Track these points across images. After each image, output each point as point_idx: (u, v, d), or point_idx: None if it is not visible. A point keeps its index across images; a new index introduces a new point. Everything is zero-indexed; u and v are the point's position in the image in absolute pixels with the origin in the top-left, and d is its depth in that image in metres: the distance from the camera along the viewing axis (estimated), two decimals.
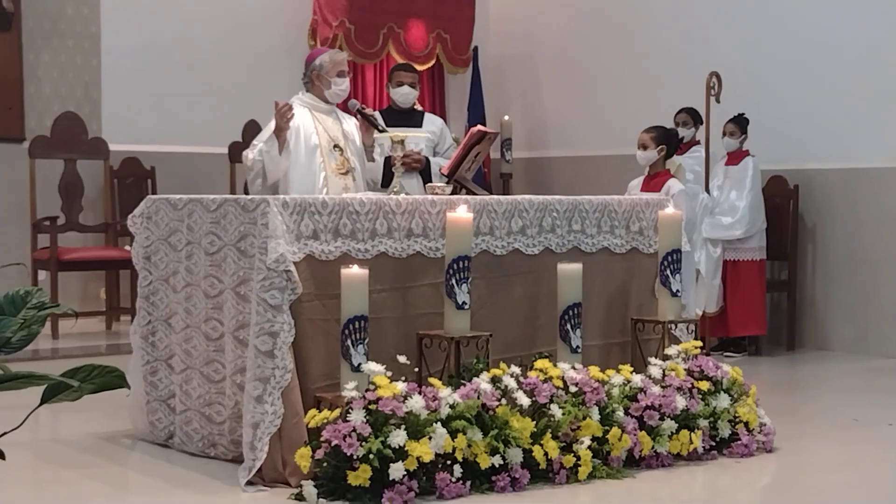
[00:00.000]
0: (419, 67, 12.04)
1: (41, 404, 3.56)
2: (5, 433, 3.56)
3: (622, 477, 5.78)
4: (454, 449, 5.35)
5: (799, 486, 5.98)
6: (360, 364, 5.49)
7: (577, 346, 6.22)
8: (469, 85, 13.40)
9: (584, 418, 5.77)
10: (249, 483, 5.47)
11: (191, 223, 6.23)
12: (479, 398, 5.52)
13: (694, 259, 9.51)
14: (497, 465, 5.46)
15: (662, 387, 6.15)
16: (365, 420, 5.23)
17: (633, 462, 5.94)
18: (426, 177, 8.73)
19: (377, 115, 8.27)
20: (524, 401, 5.64)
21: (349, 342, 5.51)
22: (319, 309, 5.75)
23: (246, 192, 9.23)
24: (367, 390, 5.35)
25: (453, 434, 5.37)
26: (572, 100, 12.90)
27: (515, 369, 5.79)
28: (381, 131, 7.80)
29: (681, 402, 6.10)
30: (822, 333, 10.58)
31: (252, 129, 10.72)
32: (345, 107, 8.03)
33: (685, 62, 11.33)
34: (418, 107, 9.53)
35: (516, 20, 13.56)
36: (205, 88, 11.88)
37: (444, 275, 5.91)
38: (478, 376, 5.67)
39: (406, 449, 5.22)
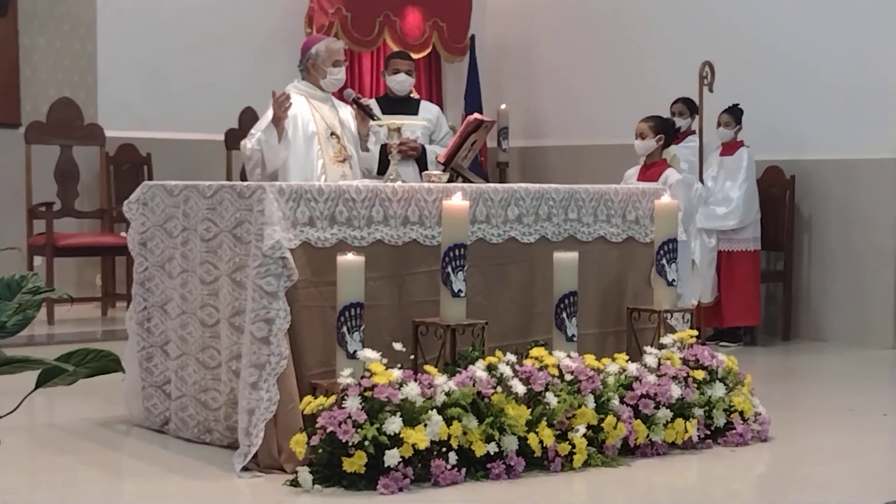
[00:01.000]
0: (415, 56, 12.03)
1: (36, 388, 3.57)
2: (0, 417, 3.57)
3: (617, 465, 5.78)
4: (449, 436, 5.36)
5: (793, 475, 5.99)
6: (355, 351, 5.49)
7: (573, 335, 6.22)
8: (466, 73, 13.39)
9: (580, 406, 5.78)
10: (245, 469, 5.47)
11: (187, 209, 6.23)
12: (474, 386, 5.52)
13: (690, 249, 9.51)
14: (492, 453, 5.47)
15: (658, 376, 6.16)
16: (360, 407, 5.24)
17: (628, 450, 5.95)
18: (422, 165, 8.74)
19: (372, 103, 8.27)
20: (520, 389, 5.64)
21: (345, 329, 5.51)
22: (315, 296, 5.75)
23: (244, 181, 9.22)
24: (362, 377, 5.35)
25: (449, 421, 5.37)
26: (569, 89, 12.90)
27: (511, 357, 5.79)
28: (375, 120, 7.78)
29: (676, 391, 6.11)
30: (818, 324, 10.60)
31: (248, 116, 10.74)
32: (340, 95, 8.03)
33: (681, 52, 11.32)
34: (415, 95, 9.53)
35: (513, 9, 13.56)
36: (201, 75, 11.88)
37: (440, 263, 5.91)
38: (473, 364, 5.68)
39: (401, 436, 5.22)
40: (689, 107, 10.53)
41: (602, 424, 5.82)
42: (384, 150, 7.99)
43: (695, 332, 6.59)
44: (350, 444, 5.17)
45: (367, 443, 5.17)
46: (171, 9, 11.81)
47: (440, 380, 5.49)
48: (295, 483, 5.26)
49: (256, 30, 12.22)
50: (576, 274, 6.25)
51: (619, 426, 5.85)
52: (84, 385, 3.87)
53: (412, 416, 5.30)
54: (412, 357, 5.85)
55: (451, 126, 9.78)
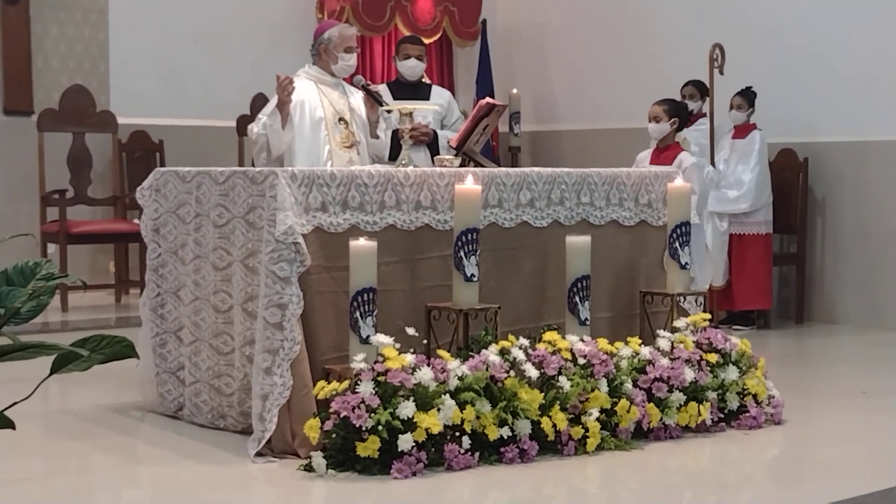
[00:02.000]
0: (426, 40, 12.02)
1: (51, 374, 3.58)
2: (15, 403, 3.57)
3: (630, 448, 5.79)
4: (463, 420, 5.37)
5: (807, 457, 6.00)
6: (368, 336, 5.51)
7: (586, 319, 6.23)
8: (477, 58, 13.37)
9: (593, 390, 5.78)
10: (259, 454, 5.49)
11: (199, 195, 6.24)
12: (487, 370, 5.53)
13: (703, 232, 9.50)
14: (505, 437, 5.48)
15: (671, 359, 6.16)
16: (374, 392, 5.25)
17: (642, 434, 5.95)
18: (434, 150, 8.74)
19: (382, 89, 8.26)
20: (533, 373, 5.65)
21: (358, 314, 5.52)
22: (328, 281, 5.76)
23: (253, 166, 9.23)
24: (375, 362, 5.37)
25: (462, 406, 5.38)
26: (580, 73, 12.88)
27: (524, 341, 5.80)
28: (383, 107, 7.77)
29: (689, 375, 6.11)
30: (831, 307, 10.58)
31: (260, 103, 10.71)
32: (351, 82, 8.02)
33: (692, 35, 11.29)
34: (426, 79, 9.53)
35: None
36: (213, 61, 11.88)
37: (453, 247, 5.91)
38: (486, 348, 5.69)
39: (415, 420, 5.24)
40: (700, 89, 10.51)
41: (615, 408, 5.83)
42: (395, 136, 7.99)
43: (708, 316, 6.59)
44: (363, 428, 5.18)
45: (380, 427, 5.18)
46: None
47: (453, 364, 5.50)
48: (309, 468, 5.27)
49: (267, 16, 12.21)
50: (588, 258, 6.25)
51: (633, 410, 5.86)
52: (98, 372, 3.87)
53: (425, 401, 5.31)
54: (425, 342, 5.87)
55: (462, 111, 9.78)
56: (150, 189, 6.57)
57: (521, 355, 5.69)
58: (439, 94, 9.31)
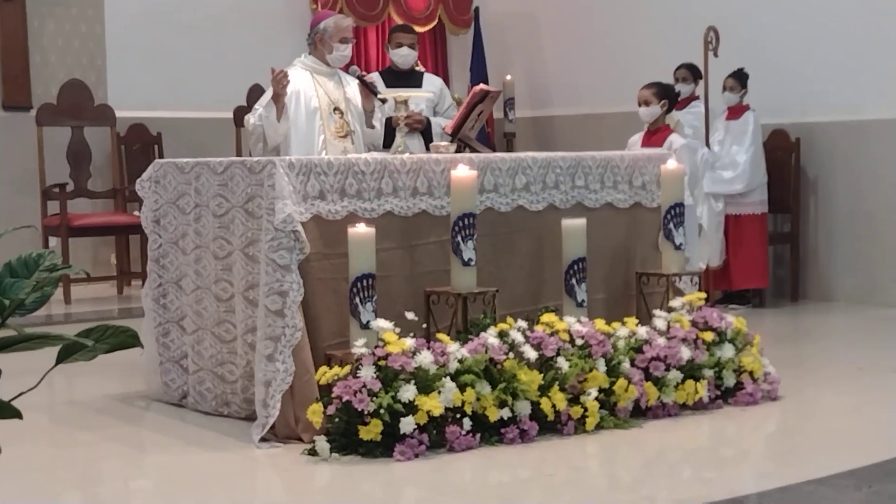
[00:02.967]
0: (420, 29, 12.09)
1: (56, 364, 3.64)
2: (21, 393, 3.63)
3: (629, 427, 5.86)
4: (463, 402, 5.44)
5: (803, 432, 6.08)
6: (368, 321, 5.57)
7: (583, 300, 6.30)
8: (471, 45, 13.41)
9: (591, 370, 5.85)
10: (263, 440, 5.56)
11: (198, 186, 6.30)
12: (486, 352, 5.60)
13: (696, 213, 9.56)
14: (506, 418, 5.55)
15: (667, 338, 6.22)
16: (375, 376, 5.32)
17: (640, 412, 6.02)
18: (427, 137, 8.79)
19: (375, 77, 8.32)
20: (531, 354, 5.72)
21: (357, 300, 5.58)
22: (328, 268, 5.82)
23: (250, 157, 9.28)
24: (376, 347, 5.43)
25: (462, 388, 5.45)
26: (573, 58, 12.92)
27: (522, 324, 5.86)
28: (378, 97, 7.82)
29: (686, 353, 6.17)
30: (826, 285, 10.64)
31: (256, 94, 10.73)
32: (346, 71, 8.07)
33: (684, 17, 11.33)
34: (420, 67, 9.58)
35: None
36: (209, 54, 11.92)
37: (450, 232, 5.98)
38: (485, 331, 5.75)
39: (416, 403, 5.30)
40: (693, 72, 10.54)
41: (613, 387, 5.90)
42: (389, 123, 8.05)
43: (703, 295, 6.65)
44: (365, 412, 5.25)
45: (382, 411, 5.25)
46: None
47: (453, 347, 5.57)
48: (312, 452, 5.34)
49: (262, 7, 12.25)
50: (584, 240, 6.31)
51: (631, 389, 5.93)
52: (102, 362, 3.92)
53: (426, 384, 5.38)
54: (424, 326, 5.93)
55: (457, 98, 9.83)
56: (149, 181, 6.63)
57: (519, 337, 5.75)
58: (431, 81, 9.36)
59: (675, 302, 6.53)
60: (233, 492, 5.03)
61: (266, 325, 5.64)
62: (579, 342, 5.94)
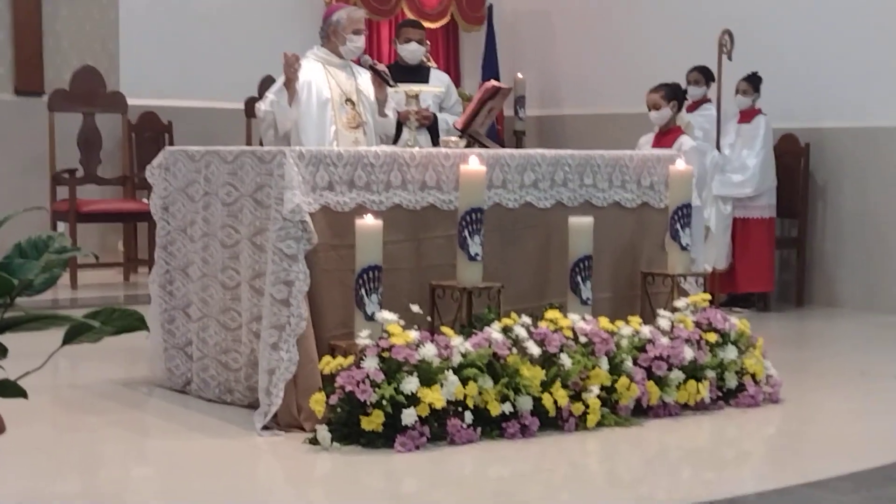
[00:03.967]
0: (432, 25, 12.11)
1: (63, 345, 3.67)
2: (27, 373, 3.66)
3: (630, 425, 5.88)
4: (465, 396, 5.46)
5: (804, 435, 6.09)
6: (373, 313, 5.59)
7: (588, 298, 6.31)
8: (483, 42, 13.42)
9: (594, 368, 5.86)
10: (265, 428, 5.59)
11: (208, 174, 6.32)
12: (490, 347, 5.62)
13: (703, 215, 9.57)
14: (507, 413, 5.57)
15: (671, 338, 6.24)
16: (378, 367, 5.34)
17: (641, 411, 6.03)
18: (433, 133, 8.81)
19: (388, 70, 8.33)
20: (534, 350, 5.74)
21: (363, 291, 5.60)
22: (334, 259, 5.84)
23: (261, 144, 9.31)
24: (380, 338, 5.45)
25: (465, 381, 5.47)
26: (585, 58, 12.92)
27: (526, 319, 5.88)
28: (391, 86, 7.84)
29: (689, 354, 6.19)
30: (831, 290, 10.65)
31: (268, 84, 10.71)
32: (358, 62, 8.09)
33: (698, 20, 11.33)
34: (432, 63, 9.58)
35: None
36: (221, 43, 11.94)
37: (458, 227, 5.99)
38: (489, 326, 5.77)
39: (418, 395, 5.33)
40: (705, 75, 10.55)
41: (615, 385, 5.91)
42: (397, 118, 8.06)
43: (708, 296, 6.66)
44: (368, 403, 5.28)
45: (384, 402, 5.27)
46: None
47: (456, 341, 5.59)
48: (314, 441, 5.37)
49: None
50: (591, 238, 6.33)
51: (633, 387, 5.94)
52: (107, 346, 3.96)
53: (429, 377, 5.40)
54: (429, 319, 5.95)
55: (467, 95, 9.83)
56: (159, 168, 6.65)
57: (523, 333, 5.77)
58: (438, 77, 9.37)
59: (680, 302, 6.54)
60: (234, 478, 5.04)
61: (271, 314, 5.66)
62: (583, 339, 5.95)
